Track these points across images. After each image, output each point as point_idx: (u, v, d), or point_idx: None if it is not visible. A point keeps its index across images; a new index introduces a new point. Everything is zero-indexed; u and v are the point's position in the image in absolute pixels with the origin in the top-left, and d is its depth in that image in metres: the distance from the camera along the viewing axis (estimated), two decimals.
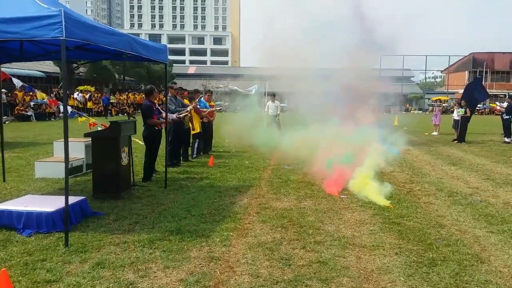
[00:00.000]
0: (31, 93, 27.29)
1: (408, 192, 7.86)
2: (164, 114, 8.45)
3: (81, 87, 38.87)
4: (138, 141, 10.61)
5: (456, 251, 4.76)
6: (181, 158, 10.75)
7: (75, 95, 34.47)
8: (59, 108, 28.48)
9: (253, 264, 4.33)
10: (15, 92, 28.17)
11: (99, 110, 34.58)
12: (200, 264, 4.29)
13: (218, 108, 14.09)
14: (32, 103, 28.59)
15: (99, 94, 38.96)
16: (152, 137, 8.30)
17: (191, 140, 11.50)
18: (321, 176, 8.51)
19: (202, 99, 12.44)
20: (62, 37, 4.45)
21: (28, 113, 27.51)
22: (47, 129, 21.10)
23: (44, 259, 4.35)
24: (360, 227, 5.64)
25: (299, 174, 9.38)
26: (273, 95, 17.81)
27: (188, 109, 10.24)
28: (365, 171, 8.00)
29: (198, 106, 11.45)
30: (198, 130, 11.41)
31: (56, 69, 41.45)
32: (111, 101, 38.41)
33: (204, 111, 11.98)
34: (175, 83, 11.21)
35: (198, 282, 3.88)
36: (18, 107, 27.46)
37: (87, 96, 35.07)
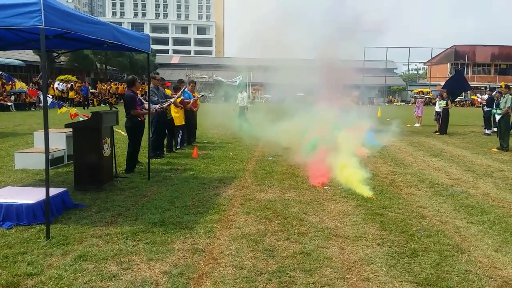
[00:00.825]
0: (10, 82, 26.71)
1: (390, 183, 7.94)
2: (146, 105, 8.36)
3: (62, 77, 38.23)
4: (120, 132, 10.51)
5: (437, 242, 4.83)
6: (165, 149, 10.68)
7: (56, 85, 33.87)
8: (39, 98, 27.97)
9: (237, 255, 4.33)
10: None
11: (80, 100, 34.10)
12: (184, 256, 4.28)
13: (200, 95, 13.98)
14: (11, 93, 28.01)
15: (81, 84, 38.37)
16: (135, 128, 8.21)
17: (174, 131, 11.42)
18: (302, 165, 8.59)
19: (186, 89, 12.33)
20: (41, 25, 4.34)
21: (7, 103, 26.95)
22: (27, 119, 20.71)
23: (24, 251, 4.29)
24: (343, 218, 5.69)
25: (283, 165, 9.40)
26: (239, 87, 18.21)
27: (171, 101, 10.14)
28: (347, 159, 8.09)
29: (182, 97, 11.37)
30: (183, 122, 11.34)
31: (36, 57, 40.68)
32: (91, 91, 37.88)
33: (188, 102, 11.91)
34: (158, 73, 11.09)
35: (182, 274, 3.87)
36: None
37: (69, 86, 34.49)
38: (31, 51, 38.12)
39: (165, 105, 9.77)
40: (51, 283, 3.63)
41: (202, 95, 16.08)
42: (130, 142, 8.32)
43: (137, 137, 8.33)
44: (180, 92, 11.21)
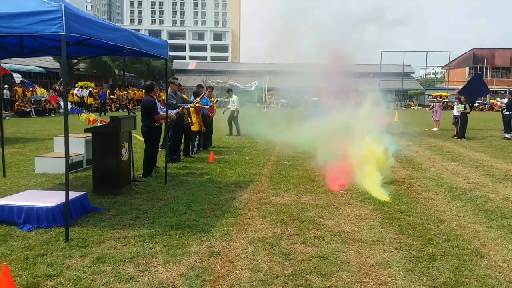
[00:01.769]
0: (31, 89, 27.26)
1: (408, 187, 7.86)
2: (163, 110, 8.46)
3: (81, 83, 38.85)
4: (138, 137, 10.62)
5: (455, 246, 4.77)
6: (181, 153, 10.77)
7: (75, 91, 34.44)
8: (59, 104, 28.46)
9: (253, 258, 4.34)
10: (15, 87, 28.16)
11: (98, 106, 34.57)
12: (200, 259, 4.30)
13: (216, 100, 14.10)
14: (32, 99, 28.57)
15: (99, 90, 38.94)
16: (151, 133, 8.30)
17: (191, 136, 11.51)
18: (319, 169, 8.55)
19: (204, 95, 12.44)
20: (62, 32, 4.44)
21: (27, 109, 27.49)
22: (47, 124, 21.10)
23: (44, 253, 4.37)
24: (360, 222, 5.65)
25: (299, 169, 9.39)
26: (229, 90, 18.36)
27: (187, 106, 10.26)
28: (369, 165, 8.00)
29: (200, 104, 11.50)
30: (198, 128, 11.43)
31: (55, 64, 41.40)
32: (111, 96, 38.39)
33: (206, 108, 12.05)
34: (176, 79, 11.23)
35: (198, 276, 3.89)
36: (18, 103, 27.44)
37: (87, 92, 35.02)
38: (51, 58, 38.81)
39: (179, 109, 9.83)
40: (70, 284, 3.69)
41: (218, 100, 16.19)
42: (147, 146, 8.42)
43: (153, 142, 8.42)
44: (200, 97, 11.35)
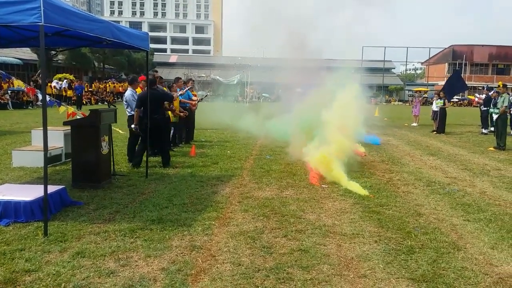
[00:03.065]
0: (8, 80, 26.67)
1: (387, 181, 7.97)
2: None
3: (59, 75, 38.12)
4: (118, 130, 10.51)
5: (433, 239, 4.86)
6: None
7: (54, 83, 33.78)
8: (37, 96, 27.89)
9: (235, 252, 4.34)
10: None
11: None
12: (181, 253, 4.29)
13: (200, 99, 13.97)
14: (9, 91, 27.94)
15: (76, 83, 38.30)
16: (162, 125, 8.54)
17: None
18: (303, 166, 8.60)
19: (188, 90, 12.34)
20: (40, 22, 4.33)
21: (4, 102, 26.87)
22: (25, 117, 20.68)
23: (22, 248, 4.29)
24: (340, 215, 5.71)
25: (281, 164, 9.42)
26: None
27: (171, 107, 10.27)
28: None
29: (180, 98, 11.45)
30: (173, 120, 11.36)
31: (33, 56, 40.54)
32: (89, 89, 37.76)
33: (188, 102, 11.97)
34: (156, 71, 11.11)
35: (180, 270, 3.88)
36: None
37: (65, 84, 34.36)
38: (28, 49, 38.02)
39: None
40: (49, 279, 3.64)
41: (201, 99, 16.04)
42: (141, 139, 8.58)
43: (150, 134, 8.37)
44: (185, 90, 11.29)
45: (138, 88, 9.44)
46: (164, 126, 8.86)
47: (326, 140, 8.54)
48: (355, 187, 7.05)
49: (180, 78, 12.73)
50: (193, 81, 14.16)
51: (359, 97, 10.13)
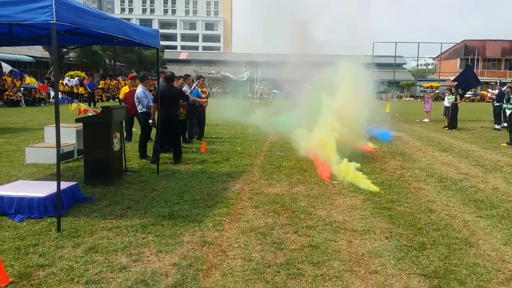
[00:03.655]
0: (19, 77, 26.93)
1: (399, 177, 7.93)
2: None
3: (71, 72, 38.42)
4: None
5: (445, 235, 4.83)
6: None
7: (66, 81, 34.08)
8: (49, 93, 28.18)
9: (245, 248, 4.36)
10: (4, 77, 27.80)
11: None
12: (193, 249, 4.32)
13: (208, 93, 13.94)
14: (21, 88, 28.25)
15: (88, 80, 38.54)
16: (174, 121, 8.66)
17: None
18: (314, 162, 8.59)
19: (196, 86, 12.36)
20: (52, 20, 4.37)
21: (17, 99, 27.18)
22: (37, 114, 20.90)
23: (36, 243, 4.35)
24: (351, 212, 5.70)
25: (291, 160, 9.41)
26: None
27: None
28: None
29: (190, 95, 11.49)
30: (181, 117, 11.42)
31: (45, 53, 40.92)
32: (100, 87, 37.99)
33: (198, 100, 11.99)
34: (166, 67, 11.18)
35: (191, 266, 3.91)
36: (7, 92, 27.12)
37: (76, 81, 34.63)
38: (40, 47, 38.36)
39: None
40: (62, 274, 3.69)
41: (211, 89, 16.10)
42: (156, 134, 8.52)
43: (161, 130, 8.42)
44: (192, 88, 11.33)
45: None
46: (176, 122, 8.89)
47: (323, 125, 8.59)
48: (360, 178, 7.04)
49: (190, 75, 12.77)
50: (203, 78, 14.16)
51: (364, 86, 10.09)
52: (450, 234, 4.87)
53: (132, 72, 52.10)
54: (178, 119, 8.76)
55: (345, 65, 10.14)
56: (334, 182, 7.36)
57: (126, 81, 43.59)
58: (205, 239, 4.57)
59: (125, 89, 11.53)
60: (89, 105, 25.62)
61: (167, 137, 8.82)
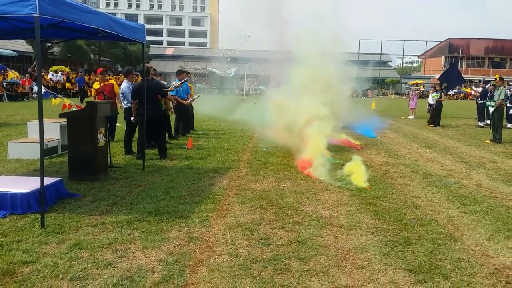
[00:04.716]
0: (2, 71, 26.44)
1: (384, 174, 7.99)
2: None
3: (55, 67, 37.91)
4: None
5: (430, 231, 4.88)
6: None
7: (50, 76, 33.60)
8: (32, 88, 27.76)
9: (232, 244, 4.35)
10: None
11: (75, 91, 33.73)
12: (179, 245, 4.29)
13: (192, 99, 13.64)
14: (4, 83, 27.76)
15: (76, 75, 38.04)
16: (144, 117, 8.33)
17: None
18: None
19: (185, 81, 12.27)
20: (36, 14, 4.29)
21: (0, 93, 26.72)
22: (20, 109, 20.57)
23: (19, 240, 4.28)
24: (337, 207, 5.72)
25: (278, 156, 9.42)
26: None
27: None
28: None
29: (180, 88, 11.47)
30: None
31: (29, 48, 40.29)
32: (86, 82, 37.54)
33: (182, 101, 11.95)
34: (148, 62, 11.07)
35: (177, 262, 3.89)
36: None
37: (60, 76, 34.19)
38: (23, 41, 37.73)
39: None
40: (47, 270, 3.64)
41: (199, 96, 16.02)
42: (140, 128, 8.52)
43: (146, 125, 8.33)
44: (180, 82, 11.26)
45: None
46: (160, 117, 8.82)
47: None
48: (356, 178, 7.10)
49: (184, 71, 12.70)
50: (189, 73, 14.02)
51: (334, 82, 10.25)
52: (435, 230, 4.93)
53: (118, 68, 51.64)
54: (162, 114, 8.66)
55: (314, 61, 10.25)
56: (321, 178, 7.38)
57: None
58: (191, 235, 4.54)
59: (96, 86, 10.73)
60: (81, 101, 25.30)
61: (152, 133, 8.75)
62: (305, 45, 10.67)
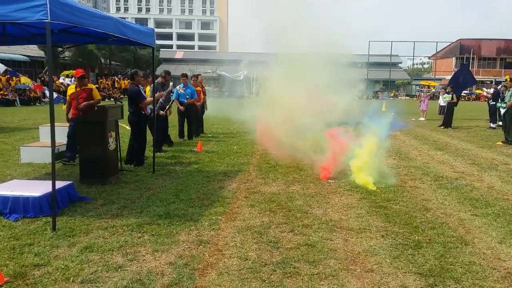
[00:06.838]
0: (15, 78, 26.81)
1: (394, 176, 7.93)
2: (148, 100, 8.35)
3: (66, 72, 38.26)
4: (125, 126, 10.53)
5: (441, 234, 4.84)
6: (166, 144, 10.78)
7: (61, 80, 33.94)
8: (44, 93, 28.07)
9: (241, 247, 4.36)
10: None
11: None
12: (189, 248, 4.31)
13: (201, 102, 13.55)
14: (16, 88, 28.13)
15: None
16: (141, 122, 8.24)
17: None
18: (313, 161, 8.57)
19: (189, 84, 12.28)
20: (47, 19, 4.35)
21: (12, 98, 27.05)
22: (32, 114, 20.81)
23: (31, 243, 4.33)
24: (347, 210, 5.70)
25: (287, 159, 9.40)
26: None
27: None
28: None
29: (183, 91, 11.55)
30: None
31: (40, 53, 40.71)
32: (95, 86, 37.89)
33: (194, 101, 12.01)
34: (168, 73, 11.00)
35: (187, 265, 3.90)
36: (1, 92, 26.98)
37: (70, 81, 34.49)
38: (35, 46, 38.16)
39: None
40: (58, 273, 3.68)
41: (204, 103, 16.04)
42: (135, 136, 8.29)
43: (142, 131, 8.35)
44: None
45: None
46: (134, 123, 8.29)
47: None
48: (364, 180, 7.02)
49: (189, 76, 12.70)
50: (197, 76, 13.84)
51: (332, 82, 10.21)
52: (446, 233, 4.89)
53: (128, 72, 51.91)
54: (140, 120, 8.34)
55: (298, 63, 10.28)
56: (330, 181, 7.36)
57: (120, 80, 43.63)
58: (201, 238, 4.56)
59: (70, 90, 8.67)
60: None
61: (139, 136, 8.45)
62: (289, 46, 10.68)
